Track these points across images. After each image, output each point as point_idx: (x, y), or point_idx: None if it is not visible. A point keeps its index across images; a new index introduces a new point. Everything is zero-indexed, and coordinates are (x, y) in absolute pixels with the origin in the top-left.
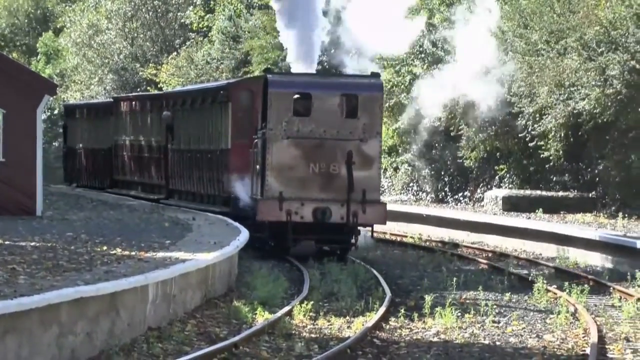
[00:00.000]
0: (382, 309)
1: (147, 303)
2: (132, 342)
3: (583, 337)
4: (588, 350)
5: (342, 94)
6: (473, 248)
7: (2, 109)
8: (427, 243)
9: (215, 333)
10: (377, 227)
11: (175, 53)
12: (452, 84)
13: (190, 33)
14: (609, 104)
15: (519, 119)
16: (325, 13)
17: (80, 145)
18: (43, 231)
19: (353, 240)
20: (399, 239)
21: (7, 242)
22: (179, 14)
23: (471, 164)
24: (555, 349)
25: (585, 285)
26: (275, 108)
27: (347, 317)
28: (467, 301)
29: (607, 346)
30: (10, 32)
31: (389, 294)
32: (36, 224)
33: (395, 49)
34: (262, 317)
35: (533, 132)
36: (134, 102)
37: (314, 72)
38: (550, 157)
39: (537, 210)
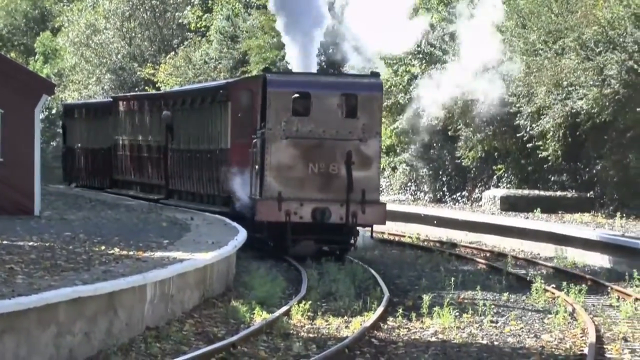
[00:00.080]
0: (380, 309)
1: (145, 303)
2: (130, 342)
3: (581, 337)
4: (586, 350)
5: (342, 93)
6: (471, 248)
7: (0, 109)
8: (425, 243)
9: (213, 333)
10: (375, 227)
11: (173, 53)
12: (454, 82)
13: (188, 33)
14: (607, 103)
15: (517, 118)
16: (330, 5)
17: (80, 145)
18: (41, 231)
19: (352, 241)
20: (397, 238)
21: (5, 242)
22: (176, 13)
23: (469, 163)
24: (553, 349)
25: (584, 285)
26: (274, 108)
27: (345, 317)
28: (465, 301)
29: (605, 346)
30: (8, 32)
31: (387, 293)
32: (34, 223)
33: (399, 48)
34: (260, 317)
35: (531, 132)
36: (133, 102)
37: (314, 71)
38: (549, 157)
39: (535, 210)
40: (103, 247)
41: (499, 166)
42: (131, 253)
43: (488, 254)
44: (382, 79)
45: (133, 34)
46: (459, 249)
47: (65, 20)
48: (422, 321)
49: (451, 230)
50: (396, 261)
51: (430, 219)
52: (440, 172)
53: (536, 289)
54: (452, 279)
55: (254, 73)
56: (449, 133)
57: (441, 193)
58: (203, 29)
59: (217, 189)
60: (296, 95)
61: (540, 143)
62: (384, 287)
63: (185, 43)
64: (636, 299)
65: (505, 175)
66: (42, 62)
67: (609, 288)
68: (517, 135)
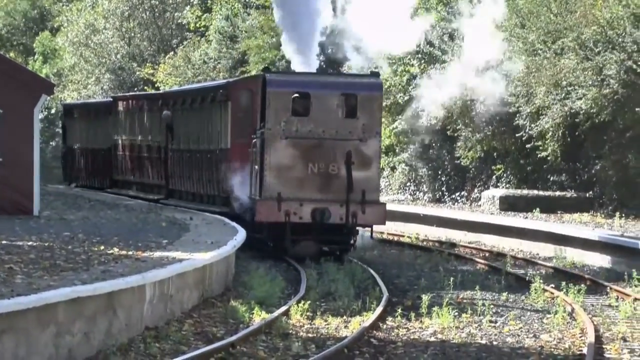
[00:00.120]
0: (379, 309)
1: (145, 303)
2: (129, 342)
3: (580, 337)
4: (585, 350)
5: (341, 93)
6: (470, 248)
7: None
8: (425, 243)
9: (213, 333)
10: (375, 227)
11: (172, 53)
12: (455, 82)
13: (188, 33)
14: (606, 103)
15: (516, 118)
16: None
17: (80, 145)
18: (40, 231)
19: (352, 241)
20: (396, 238)
21: (4, 242)
22: (176, 13)
23: (468, 163)
24: (553, 349)
25: (583, 285)
26: (273, 108)
27: (344, 317)
28: (464, 301)
29: (604, 346)
30: (7, 31)
31: (386, 293)
32: (33, 223)
33: (401, 47)
34: (259, 317)
35: (530, 132)
36: (133, 102)
37: (313, 71)
38: (548, 157)
39: (534, 210)
40: (102, 247)
41: (498, 166)
42: (130, 253)
43: (487, 254)
44: (381, 79)
45: (132, 34)
46: (458, 249)
47: (65, 20)
48: (421, 321)
49: (450, 230)
50: (395, 261)
51: (429, 219)
52: (440, 172)
53: (535, 289)
54: (451, 278)
55: (253, 73)
56: (448, 133)
57: (440, 193)
58: (202, 29)
59: (217, 189)
60: (296, 95)
61: (539, 143)
62: (383, 287)
63: (185, 43)
64: (635, 299)
65: (505, 175)
66: (42, 62)
67: (608, 288)
68: (517, 135)
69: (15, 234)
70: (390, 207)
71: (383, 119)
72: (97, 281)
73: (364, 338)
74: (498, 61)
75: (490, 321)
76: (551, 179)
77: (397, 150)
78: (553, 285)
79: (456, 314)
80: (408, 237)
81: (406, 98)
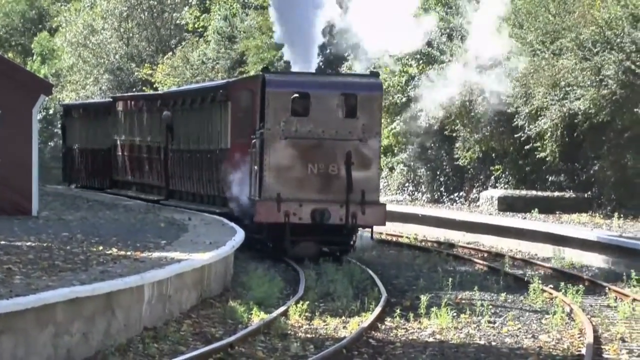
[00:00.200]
0: (377, 309)
1: (143, 303)
2: (127, 342)
3: (579, 337)
4: (584, 351)
5: (341, 93)
6: (469, 248)
7: None
8: (423, 243)
9: (211, 333)
10: (374, 228)
11: (170, 53)
12: (456, 82)
13: (186, 33)
14: (605, 104)
15: (515, 119)
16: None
17: (80, 145)
18: (39, 231)
19: (352, 242)
20: (394, 239)
21: (2, 242)
22: (174, 14)
23: (467, 164)
24: (551, 350)
25: (581, 286)
26: (272, 108)
27: (343, 317)
28: (463, 301)
29: (602, 346)
30: (5, 32)
31: (384, 294)
32: (32, 224)
33: (406, 47)
34: (258, 317)
35: (529, 133)
36: (133, 102)
37: (313, 71)
38: (547, 158)
39: (532, 211)
40: (101, 248)
41: (497, 167)
42: (129, 253)
43: (486, 255)
44: (381, 79)
45: (131, 34)
46: (456, 250)
47: (63, 21)
48: (419, 321)
49: (449, 231)
50: (394, 261)
51: (428, 219)
52: (438, 173)
53: (534, 290)
54: (450, 279)
55: (252, 73)
56: (445, 133)
57: (439, 193)
58: (201, 29)
59: (217, 189)
60: (295, 95)
61: (538, 144)
62: (382, 288)
63: (183, 43)
64: (634, 300)
65: (503, 175)
66: (40, 62)
67: (607, 288)
68: (515, 135)
69: (14, 235)
70: (388, 207)
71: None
72: (96, 281)
73: (363, 338)
74: (503, 57)
75: (489, 322)
76: (550, 179)
77: (395, 151)
78: (552, 286)
79: (455, 314)
80: (407, 237)
81: (404, 99)
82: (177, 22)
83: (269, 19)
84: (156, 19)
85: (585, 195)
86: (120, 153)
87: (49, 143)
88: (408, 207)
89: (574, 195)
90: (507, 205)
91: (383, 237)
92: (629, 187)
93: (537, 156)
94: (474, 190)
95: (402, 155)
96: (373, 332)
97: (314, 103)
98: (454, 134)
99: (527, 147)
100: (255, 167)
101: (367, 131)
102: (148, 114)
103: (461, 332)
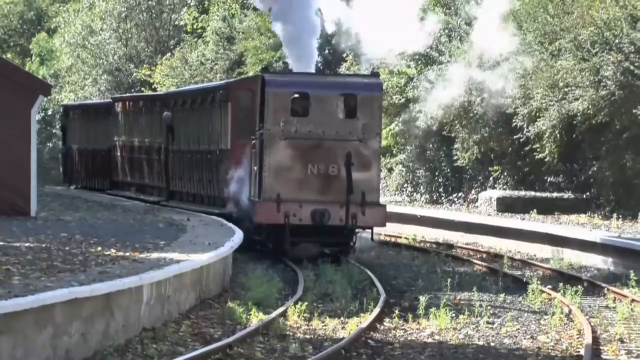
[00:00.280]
0: (376, 310)
1: (142, 304)
2: (126, 343)
3: (577, 338)
4: (582, 351)
5: (341, 93)
6: (467, 249)
7: None
8: (422, 244)
9: (210, 334)
10: (374, 229)
11: (169, 54)
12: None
13: (185, 34)
14: (603, 105)
15: (514, 120)
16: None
17: (80, 146)
18: (37, 232)
19: (352, 243)
20: (393, 239)
21: (1, 243)
22: (173, 15)
23: (465, 164)
24: (550, 350)
25: (580, 287)
26: (272, 108)
27: (342, 318)
28: (462, 302)
29: (601, 347)
30: (4, 33)
31: (383, 294)
32: (30, 224)
33: (412, 47)
34: (257, 318)
35: (527, 134)
36: (133, 103)
37: (313, 71)
38: (545, 159)
39: (531, 211)
40: (99, 248)
41: (496, 167)
42: (127, 254)
43: (484, 255)
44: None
45: (129, 35)
46: (455, 250)
47: (62, 22)
48: (418, 322)
49: (448, 232)
50: (393, 262)
51: (426, 220)
52: (437, 174)
53: (532, 290)
54: (449, 280)
55: (250, 74)
56: (444, 133)
57: (437, 194)
58: (199, 30)
59: (218, 190)
60: (295, 95)
61: (537, 145)
62: (380, 288)
63: (182, 44)
64: (632, 300)
65: (502, 176)
66: (39, 63)
67: (606, 289)
68: (514, 137)
69: (13, 235)
70: (387, 208)
71: None
72: (95, 282)
73: (361, 339)
74: (509, 55)
75: (488, 322)
76: (548, 180)
77: (394, 152)
78: (550, 287)
79: (453, 315)
80: (405, 238)
81: (402, 100)
82: (176, 22)
83: (268, 19)
84: (155, 20)
85: (584, 196)
86: (120, 154)
87: (48, 144)
88: (407, 208)
89: (572, 196)
90: (505, 206)
91: (382, 237)
92: (627, 188)
93: (536, 157)
94: (473, 191)
95: (401, 156)
96: (372, 333)
97: (314, 103)
98: (453, 134)
99: (526, 148)
100: (255, 168)
101: (367, 132)
102: (148, 114)
103: (460, 333)
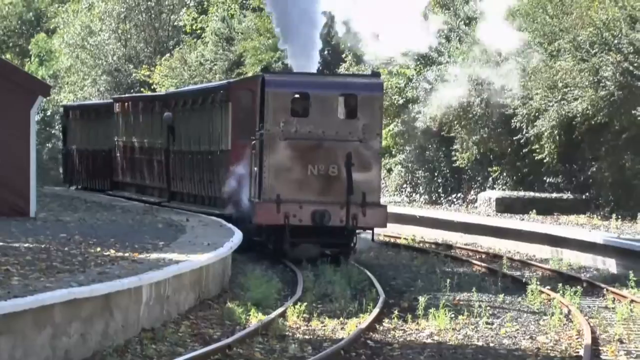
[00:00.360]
0: (375, 311)
1: (141, 304)
2: (125, 344)
3: (577, 338)
4: (582, 352)
5: (341, 93)
6: (467, 249)
7: None
8: (421, 245)
9: (209, 334)
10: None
11: (168, 54)
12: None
13: (184, 35)
14: (602, 105)
15: (513, 121)
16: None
17: (80, 146)
18: (37, 232)
19: (353, 244)
20: (392, 240)
21: (0, 244)
22: (172, 15)
23: (464, 165)
24: (549, 351)
25: (579, 287)
26: (272, 108)
27: (341, 319)
28: (461, 302)
29: (600, 348)
30: (3, 34)
31: (382, 295)
32: (30, 225)
33: (416, 46)
34: (256, 319)
35: (527, 134)
36: (134, 103)
37: (314, 71)
38: (545, 160)
39: (530, 212)
40: (99, 249)
41: (495, 168)
42: (127, 255)
43: (484, 256)
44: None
45: (128, 36)
46: (454, 251)
47: (61, 22)
48: (417, 323)
49: (447, 232)
50: (392, 263)
51: (425, 220)
52: (436, 174)
53: (532, 291)
54: (448, 280)
55: (250, 75)
56: (443, 134)
57: (437, 195)
58: (198, 30)
59: (218, 191)
60: (295, 95)
61: (536, 146)
62: (380, 289)
63: (181, 45)
64: (632, 301)
65: (501, 177)
66: (38, 63)
67: (605, 290)
68: (514, 137)
69: (12, 236)
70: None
71: None
72: (94, 283)
73: (361, 340)
74: (516, 53)
75: (487, 323)
76: (548, 180)
77: (393, 152)
78: (550, 287)
79: (453, 315)
80: (404, 239)
81: (401, 100)
82: (175, 23)
83: (267, 20)
84: (154, 21)
85: (583, 196)
86: (121, 154)
87: (47, 144)
88: (406, 209)
89: (572, 197)
90: (505, 206)
91: (381, 238)
92: (627, 189)
93: (536, 157)
94: (472, 192)
95: (400, 157)
96: (371, 334)
97: (314, 103)
98: (452, 134)
99: (525, 149)
100: (255, 169)
101: (367, 132)
102: (149, 115)
103: (459, 334)
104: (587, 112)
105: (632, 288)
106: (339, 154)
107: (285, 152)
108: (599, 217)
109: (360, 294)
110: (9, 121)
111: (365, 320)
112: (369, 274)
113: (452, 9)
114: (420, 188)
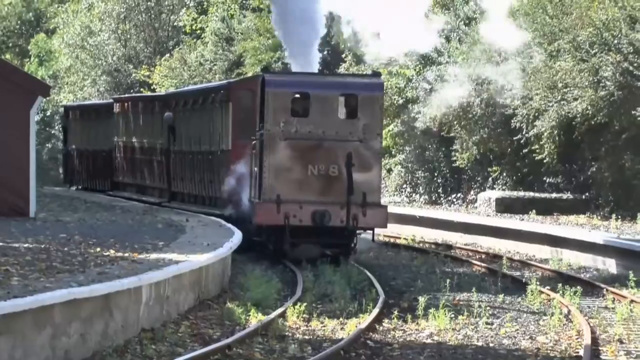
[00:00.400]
0: (375, 311)
1: (141, 304)
2: (125, 344)
3: (576, 338)
4: (581, 352)
5: (342, 93)
6: (466, 250)
7: None
8: (421, 245)
9: (209, 334)
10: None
11: (168, 55)
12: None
13: (184, 35)
14: (602, 105)
15: (513, 121)
16: None
17: (81, 146)
18: (36, 232)
19: (353, 244)
20: (392, 240)
21: (0, 244)
22: (172, 16)
23: (464, 165)
24: (549, 351)
25: (579, 287)
26: (272, 108)
27: (341, 319)
28: (461, 303)
29: (600, 348)
30: (2, 34)
31: (382, 295)
32: (29, 225)
33: (420, 46)
34: (256, 319)
35: (527, 135)
36: (134, 103)
37: (314, 66)
38: (544, 160)
39: (530, 212)
40: (98, 249)
41: (495, 168)
42: (126, 255)
43: (483, 256)
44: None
45: (128, 36)
46: (454, 251)
47: (60, 22)
48: (417, 323)
49: (446, 232)
50: (391, 263)
51: (425, 220)
52: (436, 174)
53: (531, 291)
54: (448, 280)
55: (250, 75)
56: (443, 134)
57: (436, 195)
58: (198, 31)
59: (219, 191)
60: (296, 95)
61: (536, 146)
62: (380, 289)
63: (181, 45)
64: (631, 301)
65: (501, 177)
66: (37, 64)
67: (605, 290)
68: (513, 137)
69: (12, 236)
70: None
71: None
72: (94, 283)
73: (360, 340)
74: (519, 52)
75: (487, 323)
76: (547, 180)
77: (393, 152)
78: (549, 287)
79: (452, 315)
80: (404, 239)
81: (401, 101)
82: (175, 23)
83: (267, 20)
84: (154, 21)
85: (583, 196)
86: (121, 155)
87: (47, 144)
88: (406, 209)
89: (571, 197)
90: (504, 206)
91: (381, 238)
92: (626, 189)
93: (535, 158)
94: (472, 192)
95: (400, 157)
96: (371, 334)
97: (314, 103)
98: (452, 135)
99: (525, 149)
100: (255, 169)
101: (368, 132)
102: (149, 115)
103: (459, 334)
104: (587, 112)
105: (632, 288)
106: (339, 154)
107: (285, 152)
108: (599, 217)
109: (360, 294)
110: (8, 121)
111: (365, 320)
112: (368, 274)
113: (452, 9)
114: (420, 188)
